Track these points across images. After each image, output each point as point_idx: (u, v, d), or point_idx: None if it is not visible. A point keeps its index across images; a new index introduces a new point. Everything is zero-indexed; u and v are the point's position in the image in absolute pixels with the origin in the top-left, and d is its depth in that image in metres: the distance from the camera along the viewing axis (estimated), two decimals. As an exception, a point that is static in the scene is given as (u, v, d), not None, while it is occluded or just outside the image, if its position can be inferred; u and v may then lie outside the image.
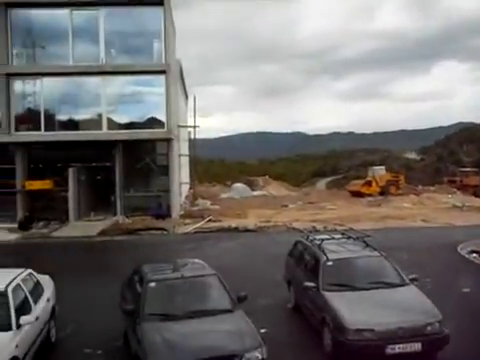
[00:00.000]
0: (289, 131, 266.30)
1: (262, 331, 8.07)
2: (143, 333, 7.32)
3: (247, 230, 22.40)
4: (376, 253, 9.89)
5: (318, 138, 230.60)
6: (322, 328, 8.69)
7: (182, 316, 7.65)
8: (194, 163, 38.85)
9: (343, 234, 11.04)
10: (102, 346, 9.09)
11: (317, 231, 12.18)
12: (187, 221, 24.70)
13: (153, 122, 26.61)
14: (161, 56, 25.86)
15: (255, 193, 42.71)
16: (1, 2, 24.72)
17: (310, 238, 10.91)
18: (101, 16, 25.49)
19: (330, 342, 8.28)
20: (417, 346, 7.83)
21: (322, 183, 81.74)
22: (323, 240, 10.35)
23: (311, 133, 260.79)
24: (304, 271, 10.28)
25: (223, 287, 8.39)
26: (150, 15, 26.03)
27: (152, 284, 8.17)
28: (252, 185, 46.68)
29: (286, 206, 31.62)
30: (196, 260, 9.79)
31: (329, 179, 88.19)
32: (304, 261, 10.52)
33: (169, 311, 7.77)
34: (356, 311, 8.24)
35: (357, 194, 38.94)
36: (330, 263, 9.44)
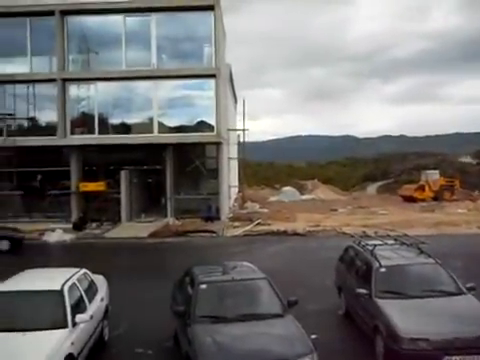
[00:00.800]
0: (338, 134, 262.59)
1: (313, 337, 7.93)
2: (194, 335, 7.35)
3: (296, 234, 22.23)
4: (431, 260, 9.58)
5: (368, 141, 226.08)
6: (374, 336, 8.48)
7: (232, 319, 7.63)
8: (243, 166, 38.89)
9: (396, 240, 10.75)
10: (153, 346, 9.21)
11: (368, 236, 11.87)
12: (236, 224, 24.79)
13: (203, 125, 26.87)
14: (211, 60, 26.08)
15: (304, 197, 42.38)
16: (58, 10, 25.64)
17: (362, 243, 10.69)
18: (153, 21, 25.97)
19: (383, 350, 8.07)
20: (476, 359, 7.50)
21: (373, 187, 79.97)
22: (375, 246, 10.11)
23: (361, 136, 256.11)
24: (355, 277, 10.08)
25: (273, 291, 8.32)
26: (201, 20, 26.30)
27: (203, 286, 8.20)
28: (301, 189, 46.36)
29: (335, 210, 31.20)
30: (245, 263, 9.78)
31: (380, 183, 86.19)
32: (355, 267, 10.32)
33: (220, 313, 7.78)
34: (410, 319, 7.98)
35: (409, 199, 37.96)
36: (383, 270, 9.21)
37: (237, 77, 40.53)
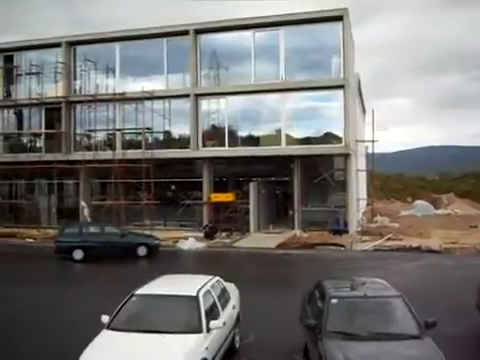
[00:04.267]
0: (475, 145, 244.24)
1: (453, 363, 7.35)
2: (325, 350, 7.16)
3: (431, 251, 20.93)
4: None
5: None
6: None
7: (365, 337, 7.31)
8: (372, 178, 37.73)
9: None
10: (282, 357, 9.18)
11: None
12: (365, 238, 24.03)
13: (330, 137, 26.58)
14: (339, 71, 25.79)
15: (438, 212, 39.91)
16: (192, 29, 27.09)
17: (509, 263, 9.74)
18: (281, 35, 26.36)
19: None
20: None
21: (519, 202, 72.74)
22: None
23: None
24: (502, 300, 9.19)
25: (409, 310, 7.84)
26: (329, 31, 26.14)
27: (334, 301, 7.99)
28: (435, 203, 43.65)
29: (475, 227, 28.85)
30: (377, 279, 9.42)
31: (526, 198, 78.20)
32: (502, 289, 9.42)
33: (352, 330, 7.49)
34: None
35: None
36: None
37: (365, 87, 39.58)
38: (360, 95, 37.55)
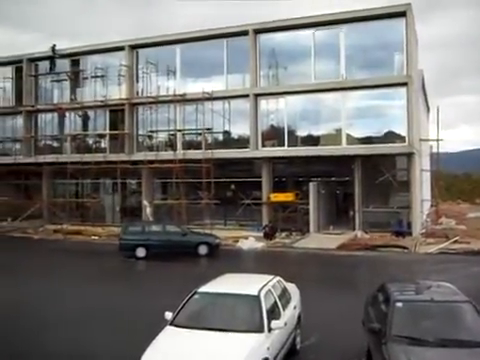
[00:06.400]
0: None
1: None
2: (390, 354, 6.95)
3: (501, 255, 20.00)
4: None
5: None
6: None
7: (433, 343, 7.04)
8: (436, 179, 36.49)
9: None
10: (345, 361, 9.02)
11: None
12: (429, 240, 23.23)
13: (392, 136, 25.90)
14: (402, 68, 25.13)
15: (509, 214, 38.01)
16: (252, 29, 27.16)
17: None
18: (342, 33, 25.93)
19: None
20: None
21: None
22: None
23: None
24: None
25: (479, 317, 7.50)
26: (391, 27, 25.48)
27: (399, 304, 7.76)
28: (506, 204, 41.70)
29: None
30: (444, 283, 9.07)
31: None
32: None
33: (418, 335, 7.23)
34: None
35: None
36: None
37: (429, 84, 38.36)
38: (424, 93, 36.43)
